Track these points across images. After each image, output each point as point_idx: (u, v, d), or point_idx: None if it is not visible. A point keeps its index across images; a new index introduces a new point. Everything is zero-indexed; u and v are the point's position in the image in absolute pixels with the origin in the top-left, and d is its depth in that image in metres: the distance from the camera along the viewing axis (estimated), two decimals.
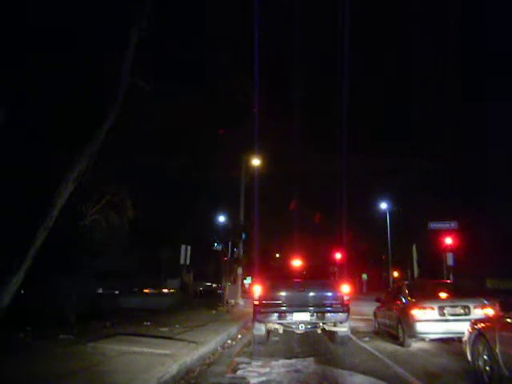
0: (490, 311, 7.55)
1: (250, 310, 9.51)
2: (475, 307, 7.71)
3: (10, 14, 8.25)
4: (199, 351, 6.83)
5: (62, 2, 9.15)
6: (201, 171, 19.76)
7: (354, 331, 9.94)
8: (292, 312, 8.22)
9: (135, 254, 22.76)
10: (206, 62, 12.41)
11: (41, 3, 8.79)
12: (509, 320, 4.84)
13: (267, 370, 6.11)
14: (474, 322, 5.62)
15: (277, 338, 9.35)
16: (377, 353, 7.51)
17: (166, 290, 27.21)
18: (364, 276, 44.55)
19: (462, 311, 7.72)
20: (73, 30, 9.26)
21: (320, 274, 9.60)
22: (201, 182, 21.39)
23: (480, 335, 5.16)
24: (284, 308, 8.29)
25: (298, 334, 9.12)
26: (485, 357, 4.99)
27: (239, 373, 6.00)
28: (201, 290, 29.35)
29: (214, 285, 30.72)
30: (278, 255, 38.06)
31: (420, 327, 7.71)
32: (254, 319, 8.54)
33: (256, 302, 8.46)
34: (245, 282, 29.55)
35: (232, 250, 23.65)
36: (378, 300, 10.93)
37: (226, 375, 5.85)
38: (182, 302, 17.33)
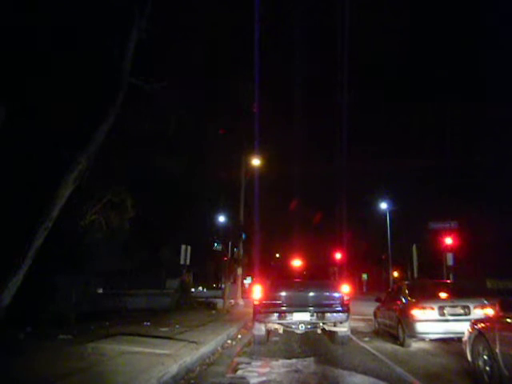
0: (490, 311, 7.53)
1: (250, 310, 9.50)
2: (475, 307, 7.71)
3: (10, 13, 8.25)
4: (199, 351, 6.83)
5: (62, 1, 9.15)
6: (201, 171, 19.75)
7: (354, 331, 9.93)
8: (292, 312, 8.20)
9: (135, 254, 22.72)
10: (205, 63, 12.41)
11: (41, 3, 8.79)
12: (509, 320, 4.83)
13: (267, 369, 6.12)
14: (474, 322, 5.62)
15: (277, 338, 9.34)
16: (377, 353, 7.50)
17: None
18: (364, 276, 44.63)
19: (461, 311, 7.71)
20: (72, 30, 9.26)
21: (320, 274, 9.59)
22: (201, 181, 21.37)
23: (480, 335, 5.16)
24: (284, 308, 8.27)
25: (298, 334, 9.11)
26: (485, 357, 4.99)
27: (239, 373, 5.99)
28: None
29: None
30: (278, 255, 38.14)
31: (420, 327, 7.71)
32: (254, 319, 8.54)
33: (256, 302, 8.45)
34: (245, 281, 29.55)
35: (232, 249, 23.62)
36: (378, 300, 10.92)
37: (226, 375, 5.85)
38: (181, 301, 17.31)
